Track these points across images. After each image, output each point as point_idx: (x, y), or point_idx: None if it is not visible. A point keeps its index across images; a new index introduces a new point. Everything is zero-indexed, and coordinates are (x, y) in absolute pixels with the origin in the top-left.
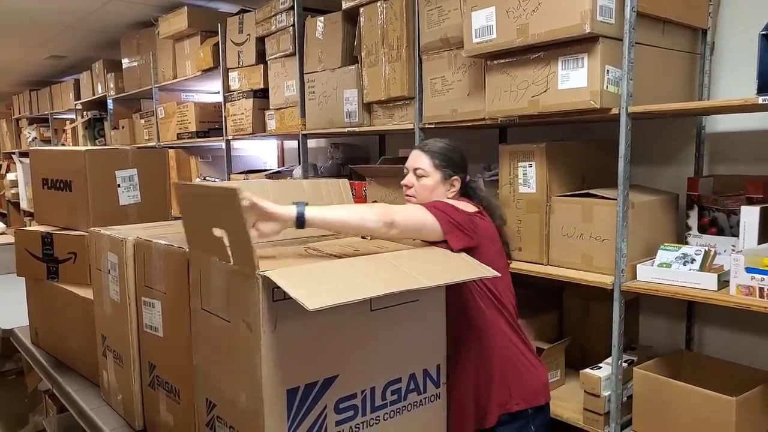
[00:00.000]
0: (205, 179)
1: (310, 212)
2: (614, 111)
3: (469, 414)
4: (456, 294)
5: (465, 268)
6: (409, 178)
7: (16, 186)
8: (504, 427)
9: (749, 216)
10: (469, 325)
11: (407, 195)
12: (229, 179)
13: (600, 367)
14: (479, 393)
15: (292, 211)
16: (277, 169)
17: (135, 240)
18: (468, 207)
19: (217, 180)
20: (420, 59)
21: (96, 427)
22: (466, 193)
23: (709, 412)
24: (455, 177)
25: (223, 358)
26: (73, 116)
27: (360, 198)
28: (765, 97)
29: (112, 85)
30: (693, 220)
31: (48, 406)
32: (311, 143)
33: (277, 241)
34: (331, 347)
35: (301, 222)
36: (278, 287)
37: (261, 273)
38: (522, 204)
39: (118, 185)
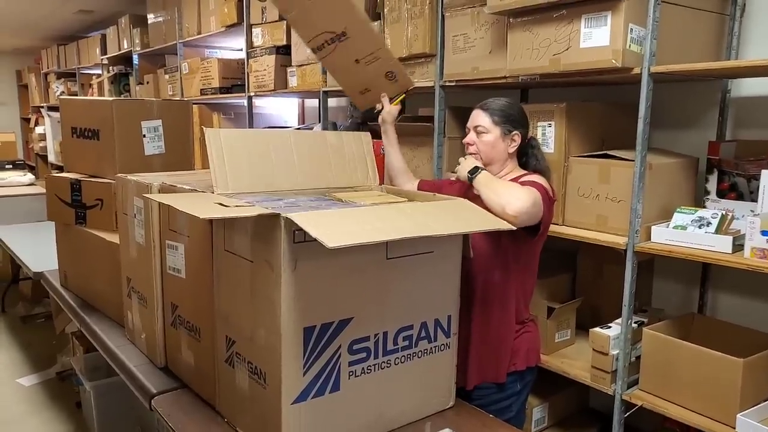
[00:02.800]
0: None
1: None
2: (636, 71)
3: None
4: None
5: (481, 220)
6: (470, 136)
7: (44, 139)
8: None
9: None
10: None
11: (469, 153)
12: None
13: (610, 327)
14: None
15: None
16: (298, 127)
17: (160, 185)
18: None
19: None
20: (443, 16)
21: (121, 363)
22: (524, 150)
23: (716, 373)
24: (515, 132)
25: (244, 297)
26: (100, 71)
27: (378, 155)
28: None
29: (137, 41)
30: (712, 185)
31: (75, 347)
32: (331, 102)
33: (298, 191)
34: (347, 290)
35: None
36: (300, 229)
37: (284, 215)
38: None
39: (144, 135)
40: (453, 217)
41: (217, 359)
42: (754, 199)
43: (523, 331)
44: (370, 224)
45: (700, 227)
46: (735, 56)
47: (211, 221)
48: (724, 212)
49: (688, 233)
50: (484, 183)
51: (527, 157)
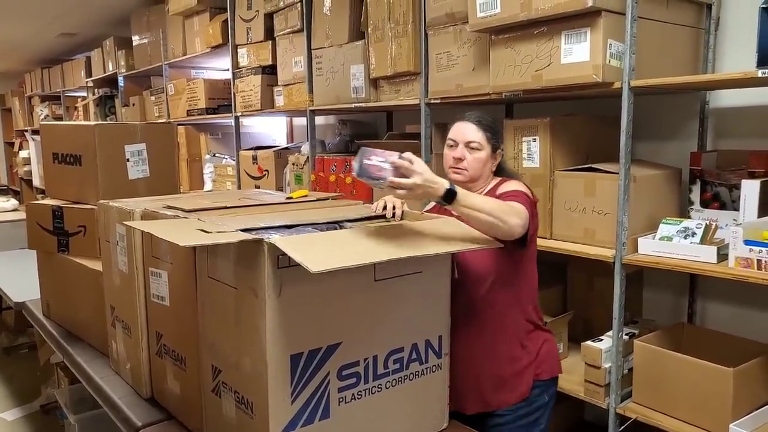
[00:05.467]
0: (214, 156)
1: (460, 191)
2: (616, 85)
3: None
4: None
5: (469, 238)
6: (461, 151)
7: (29, 163)
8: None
9: (750, 189)
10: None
11: (457, 168)
12: (237, 156)
13: (601, 340)
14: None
15: (445, 183)
16: (286, 146)
17: (143, 211)
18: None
19: (227, 157)
20: (426, 34)
21: (105, 395)
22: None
23: (707, 383)
24: (500, 149)
25: (228, 325)
26: (85, 94)
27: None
28: (765, 71)
29: (122, 63)
30: (695, 195)
31: (60, 378)
32: (319, 120)
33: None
34: (335, 315)
35: (451, 194)
36: (284, 254)
37: (267, 240)
38: (526, 179)
39: (127, 159)
40: (440, 237)
41: (204, 389)
42: (737, 208)
43: (543, 340)
44: (355, 247)
45: (685, 237)
46: (711, 69)
47: (194, 248)
48: (708, 222)
49: (674, 244)
50: (465, 203)
51: (501, 170)
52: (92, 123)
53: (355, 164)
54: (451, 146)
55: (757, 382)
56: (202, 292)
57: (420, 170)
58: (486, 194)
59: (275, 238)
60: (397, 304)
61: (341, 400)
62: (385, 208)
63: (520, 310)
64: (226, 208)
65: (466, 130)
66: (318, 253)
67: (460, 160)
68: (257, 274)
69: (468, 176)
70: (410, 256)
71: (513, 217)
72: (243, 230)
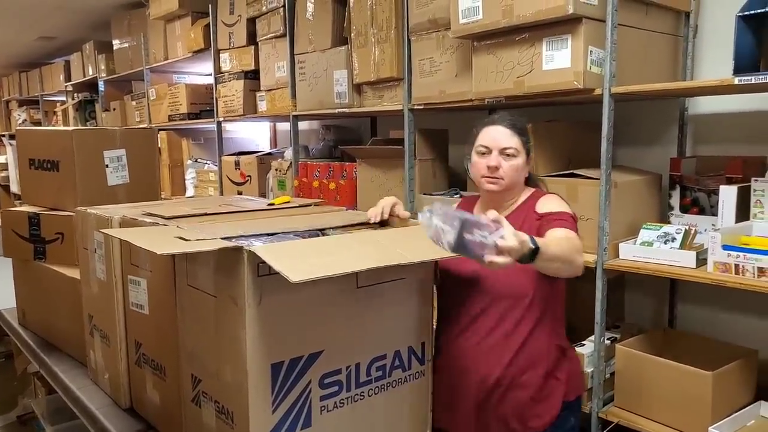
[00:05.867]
0: (196, 161)
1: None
2: (597, 91)
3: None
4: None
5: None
6: (497, 159)
7: (6, 169)
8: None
9: (727, 195)
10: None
11: (493, 178)
12: (220, 162)
13: (583, 344)
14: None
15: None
16: (269, 151)
17: (121, 218)
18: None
19: (209, 163)
20: (409, 40)
21: (83, 406)
22: None
23: (687, 387)
24: (531, 154)
25: (208, 334)
26: (64, 98)
27: (351, 179)
28: (741, 78)
29: (102, 67)
30: (675, 200)
31: (37, 388)
32: (303, 125)
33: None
34: (316, 323)
35: (535, 252)
36: (263, 262)
37: (247, 248)
38: None
39: (107, 165)
40: (422, 244)
41: (183, 399)
42: (715, 213)
43: (569, 360)
44: (336, 254)
45: (665, 243)
46: (690, 76)
47: (173, 255)
48: (687, 227)
49: (654, 249)
50: (547, 256)
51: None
52: (70, 128)
53: (449, 236)
54: (483, 153)
55: (736, 384)
56: (182, 300)
57: (515, 244)
58: (521, 208)
59: (255, 246)
60: (380, 311)
61: (323, 408)
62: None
63: (553, 333)
64: (206, 215)
65: (500, 136)
66: (298, 261)
67: (496, 168)
68: (237, 283)
69: (504, 185)
70: (392, 265)
71: (577, 256)
72: (223, 238)
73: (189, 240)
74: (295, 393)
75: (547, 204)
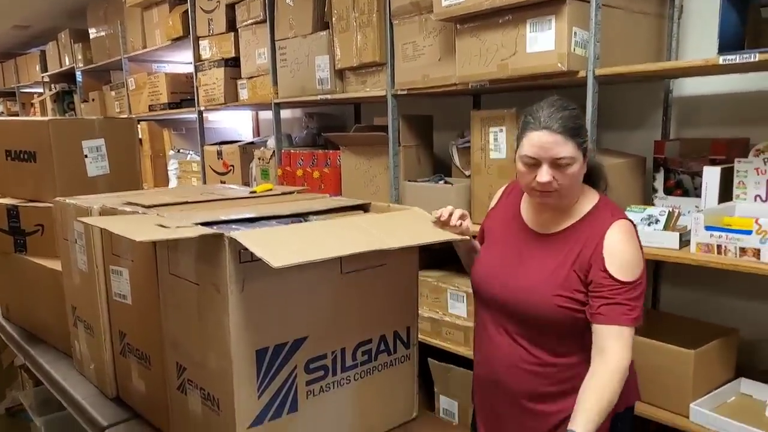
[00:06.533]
0: (178, 152)
1: (587, 428)
2: (581, 74)
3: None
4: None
5: (433, 231)
6: (549, 174)
7: None
8: None
9: (710, 176)
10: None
11: (547, 192)
12: (202, 151)
13: None
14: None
15: None
16: (252, 140)
17: (101, 208)
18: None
19: (191, 153)
20: (391, 24)
21: (69, 396)
22: None
23: (670, 365)
24: (587, 144)
25: (192, 322)
26: (41, 90)
27: (335, 167)
28: (725, 57)
29: (79, 56)
30: (659, 183)
31: (24, 380)
32: (286, 113)
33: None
34: (300, 309)
35: None
36: (245, 249)
37: (228, 234)
38: (493, 170)
39: (85, 156)
40: (405, 229)
41: (169, 387)
42: (699, 195)
43: None
44: (319, 240)
45: (649, 225)
46: (675, 57)
47: (154, 243)
48: (671, 209)
49: (639, 231)
50: (591, 421)
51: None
52: (46, 118)
53: None
54: (531, 165)
55: (717, 362)
56: (164, 289)
57: None
58: (586, 223)
59: (236, 233)
60: (365, 296)
61: (309, 393)
62: (450, 214)
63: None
64: (187, 203)
65: (550, 145)
66: (280, 247)
67: (547, 184)
68: (219, 270)
69: (559, 196)
70: (375, 250)
71: (622, 377)
72: (204, 224)
73: (169, 227)
74: (281, 378)
75: (619, 254)
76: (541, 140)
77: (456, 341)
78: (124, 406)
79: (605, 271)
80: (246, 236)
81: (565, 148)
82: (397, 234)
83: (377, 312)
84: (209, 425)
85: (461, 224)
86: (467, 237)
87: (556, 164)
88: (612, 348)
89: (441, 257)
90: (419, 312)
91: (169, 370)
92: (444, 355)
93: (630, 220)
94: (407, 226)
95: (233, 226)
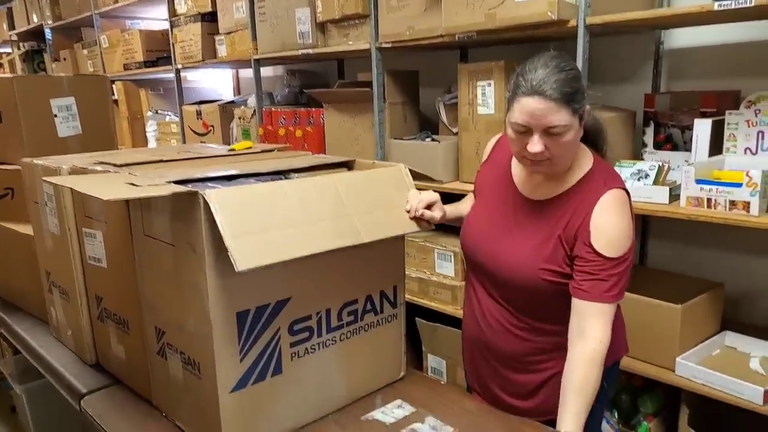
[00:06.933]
0: (156, 113)
1: (575, 427)
2: (572, 23)
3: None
4: None
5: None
6: (541, 143)
7: None
8: None
9: (701, 129)
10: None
11: (539, 161)
12: (180, 112)
13: None
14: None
15: None
16: (232, 99)
17: (70, 167)
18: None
19: (170, 114)
20: None
21: (47, 364)
22: None
23: (656, 320)
24: (584, 106)
25: (169, 284)
26: (9, 49)
27: (318, 126)
28: (720, 3)
29: (48, 13)
30: (649, 137)
31: (3, 348)
32: (267, 71)
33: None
34: (283, 270)
35: None
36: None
37: (203, 192)
38: (481, 126)
39: (55, 115)
40: (385, 204)
41: (149, 352)
42: (689, 149)
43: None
44: (293, 221)
45: (639, 180)
46: (667, 5)
47: (127, 204)
48: (661, 164)
49: (628, 186)
50: (578, 420)
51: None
52: (10, 75)
53: None
54: (522, 133)
55: (703, 316)
56: (140, 251)
57: None
58: (579, 189)
59: (209, 193)
60: (350, 256)
61: (294, 354)
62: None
63: None
64: (161, 162)
65: (542, 113)
66: (253, 234)
67: (538, 154)
68: (194, 229)
69: (552, 165)
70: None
71: (599, 368)
72: (177, 182)
73: (140, 186)
74: (264, 341)
75: (607, 228)
76: (532, 107)
77: (444, 301)
78: (104, 372)
79: (590, 245)
80: (219, 198)
81: (559, 116)
82: (375, 213)
83: (363, 272)
84: (191, 390)
85: (423, 214)
86: (433, 225)
87: (549, 133)
88: (592, 328)
89: None
90: (406, 272)
91: (148, 334)
92: (432, 314)
93: (624, 189)
94: (388, 196)
95: (210, 185)
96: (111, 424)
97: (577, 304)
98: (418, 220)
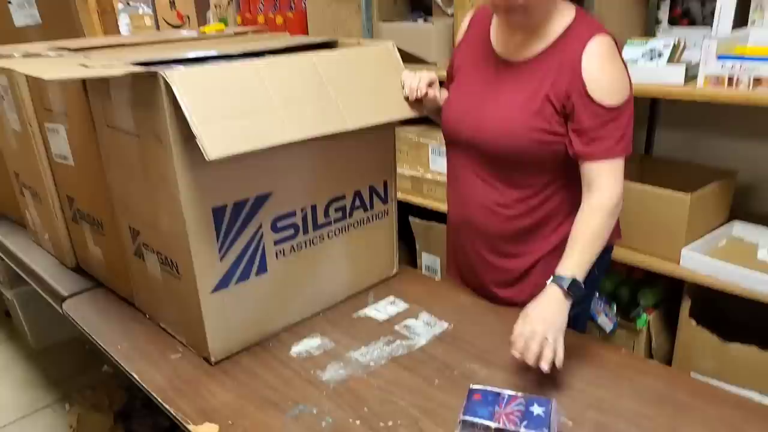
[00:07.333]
0: (128, 4)
1: (576, 271)
2: None
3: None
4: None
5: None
6: None
7: None
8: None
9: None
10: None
11: (511, 7)
12: (153, 3)
13: None
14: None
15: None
16: None
17: (24, 53)
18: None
19: (142, 6)
20: None
21: (27, 268)
22: None
23: (664, 211)
24: None
25: (138, 180)
26: None
27: (300, 12)
28: None
29: None
30: (664, 12)
31: None
32: None
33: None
34: (261, 162)
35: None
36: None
37: (164, 73)
38: (479, 3)
39: (9, 2)
40: (371, 88)
41: (126, 253)
42: (708, 24)
43: None
44: (268, 104)
45: (651, 59)
46: None
47: (86, 93)
48: (676, 41)
49: (639, 67)
50: (581, 265)
51: None
52: None
53: None
54: None
55: (713, 206)
56: (105, 145)
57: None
58: (559, 47)
59: (172, 74)
60: (336, 149)
61: (279, 253)
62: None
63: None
64: (123, 45)
65: None
66: (222, 119)
67: None
68: (158, 117)
69: (526, 12)
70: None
71: (614, 215)
72: (137, 64)
73: (92, 67)
74: (245, 238)
75: (601, 76)
76: None
77: (438, 198)
78: (87, 276)
79: (588, 97)
80: (182, 80)
81: None
82: (362, 97)
83: (350, 165)
84: (171, 291)
85: (427, 93)
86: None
87: None
88: (602, 184)
89: None
90: (399, 170)
91: (123, 234)
92: (426, 213)
93: (610, 35)
94: (376, 78)
95: (174, 66)
96: (94, 327)
97: (583, 169)
98: (414, 104)
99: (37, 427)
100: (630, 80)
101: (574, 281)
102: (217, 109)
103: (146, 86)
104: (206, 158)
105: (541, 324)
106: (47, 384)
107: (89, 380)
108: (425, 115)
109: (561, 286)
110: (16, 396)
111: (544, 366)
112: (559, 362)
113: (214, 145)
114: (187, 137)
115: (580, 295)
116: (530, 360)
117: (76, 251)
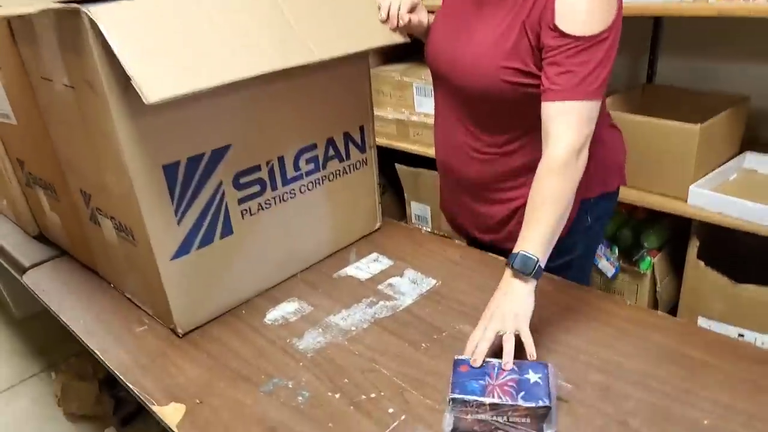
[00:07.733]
0: None
1: (540, 252)
2: None
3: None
4: None
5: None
6: None
7: None
8: None
9: None
10: None
11: None
12: None
13: None
14: None
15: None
16: None
17: None
18: None
19: None
20: None
21: None
22: None
23: (671, 144)
24: None
25: (79, 137)
26: None
27: None
28: None
29: None
30: None
31: None
32: None
33: None
34: (216, 114)
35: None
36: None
37: (86, 10)
38: None
39: None
40: (345, 20)
41: (81, 219)
42: None
43: (598, 142)
44: (218, 42)
45: None
46: None
47: (14, 42)
48: None
49: None
50: (544, 244)
51: None
52: None
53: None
54: None
55: (724, 136)
56: (41, 98)
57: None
58: None
59: (96, 10)
60: (302, 92)
61: (245, 212)
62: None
63: None
64: None
65: None
66: (164, 45)
67: None
68: (88, 62)
69: None
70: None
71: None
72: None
73: (4, 6)
74: (204, 198)
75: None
76: None
77: (425, 143)
78: (51, 244)
79: (554, 28)
80: (112, 15)
81: None
82: (328, 23)
83: (320, 110)
84: (130, 259)
85: (410, 20)
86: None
87: None
88: (556, 134)
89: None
90: (382, 114)
91: (76, 199)
92: (413, 159)
93: None
94: (343, 2)
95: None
96: (56, 299)
97: (543, 109)
98: (394, 31)
99: (25, 397)
100: (618, 3)
101: (524, 258)
102: (155, 47)
103: (70, 27)
104: (145, 102)
105: (494, 320)
106: (33, 353)
107: (75, 348)
108: (407, 41)
109: (512, 267)
110: (3, 366)
111: (506, 366)
112: (530, 354)
113: (153, 87)
114: (125, 85)
115: (539, 273)
116: (477, 363)
117: (36, 218)
